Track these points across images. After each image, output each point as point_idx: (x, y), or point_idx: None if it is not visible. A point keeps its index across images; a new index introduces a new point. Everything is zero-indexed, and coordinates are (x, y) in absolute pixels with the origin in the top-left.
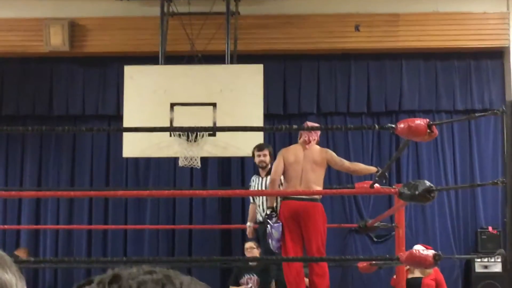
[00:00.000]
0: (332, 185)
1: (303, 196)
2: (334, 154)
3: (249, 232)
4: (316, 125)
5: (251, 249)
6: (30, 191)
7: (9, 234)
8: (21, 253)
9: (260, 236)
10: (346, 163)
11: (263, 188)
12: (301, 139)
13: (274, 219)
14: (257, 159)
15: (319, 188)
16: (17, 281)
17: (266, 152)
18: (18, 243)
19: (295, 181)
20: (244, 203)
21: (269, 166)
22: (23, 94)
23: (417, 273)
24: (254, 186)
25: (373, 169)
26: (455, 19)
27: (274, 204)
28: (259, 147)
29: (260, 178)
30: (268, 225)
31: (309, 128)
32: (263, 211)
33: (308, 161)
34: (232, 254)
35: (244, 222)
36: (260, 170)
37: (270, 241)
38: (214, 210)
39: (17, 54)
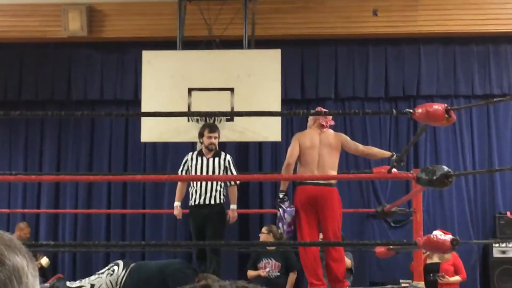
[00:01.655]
0: (350, 170)
1: (320, 181)
2: (348, 138)
3: (178, 213)
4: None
5: (268, 233)
6: (49, 175)
7: (28, 218)
8: (23, 227)
9: (199, 220)
10: (360, 146)
11: (210, 170)
12: (316, 123)
13: (287, 203)
14: (207, 141)
15: (334, 172)
16: (28, 263)
17: (217, 134)
18: (38, 227)
19: (311, 166)
20: (261, 188)
21: (217, 148)
22: (42, 79)
23: (435, 259)
24: (197, 166)
25: (387, 153)
26: (474, 3)
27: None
28: (211, 129)
29: (206, 159)
30: (280, 209)
31: (327, 113)
32: (205, 193)
33: (324, 145)
34: (250, 239)
35: (262, 207)
36: (206, 151)
37: (280, 225)
38: None
39: (36, 39)
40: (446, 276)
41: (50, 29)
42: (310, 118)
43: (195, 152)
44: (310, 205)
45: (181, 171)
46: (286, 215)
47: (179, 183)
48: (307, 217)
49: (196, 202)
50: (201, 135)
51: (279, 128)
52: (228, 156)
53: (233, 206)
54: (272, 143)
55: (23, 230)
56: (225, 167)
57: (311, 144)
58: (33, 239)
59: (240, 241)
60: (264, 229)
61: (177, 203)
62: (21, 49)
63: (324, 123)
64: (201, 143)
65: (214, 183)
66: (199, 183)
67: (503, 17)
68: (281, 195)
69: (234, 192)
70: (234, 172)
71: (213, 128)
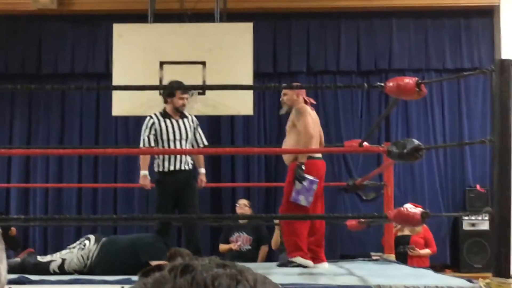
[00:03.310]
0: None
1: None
2: None
3: (148, 182)
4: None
5: (244, 206)
6: (19, 149)
7: None
8: None
9: (172, 188)
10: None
11: (182, 132)
12: (308, 104)
13: (309, 176)
14: (179, 102)
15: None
16: None
17: (188, 95)
18: (8, 202)
19: (316, 140)
20: (233, 162)
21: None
22: (12, 53)
23: (406, 232)
24: (167, 129)
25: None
26: None
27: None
28: (183, 89)
29: (175, 121)
30: (306, 181)
31: (298, 86)
32: (179, 158)
33: (318, 122)
34: (222, 212)
35: (234, 180)
36: (173, 112)
37: (304, 197)
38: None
39: (5, 12)
40: (416, 249)
41: (19, 1)
42: (301, 95)
43: (158, 114)
44: (321, 179)
45: (148, 135)
46: (314, 185)
47: (143, 151)
48: (319, 191)
49: (170, 168)
50: (171, 95)
51: (251, 101)
52: (194, 117)
53: (203, 170)
54: (244, 117)
55: None
56: (194, 128)
57: (315, 119)
58: (4, 214)
59: (212, 214)
60: (246, 203)
61: (145, 172)
62: None
63: (312, 101)
64: (167, 103)
65: (186, 147)
66: (175, 146)
67: None
68: (303, 167)
69: (202, 156)
70: (202, 134)
71: (185, 88)
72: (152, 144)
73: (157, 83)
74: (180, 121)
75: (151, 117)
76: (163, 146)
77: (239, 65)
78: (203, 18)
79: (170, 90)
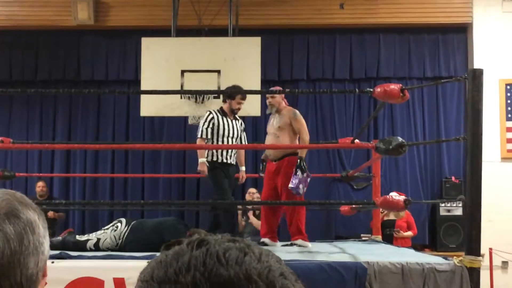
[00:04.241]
0: (319, 140)
1: None
2: None
3: (206, 169)
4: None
5: (253, 194)
6: (60, 144)
7: (43, 181)
8: (40, 185)
9: (230, 177)
10: None
11: (235, 131)
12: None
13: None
14: (236, 105)
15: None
16: (38, 216)
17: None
18: (51, 189)
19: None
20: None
21: None
22: (55, 62)
23: (391, 216)
24: (224, 125)
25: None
26: None
27: None
28: (243, 96)
29: (230, 120)
30: (305, 173)
31: (299, 92)
32: (232, 153)
33: None
34: (235, 199)
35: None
36: (229, 113)
37: (302, 186)
38: None
39: (49, 27)
40: (401, 231)
41: (61, 18)
42: (283, 99)
43: (216, 111)
44: None
45: (206, 128)
46: (309, 179)
47: (201, 141)
48: None
49: (225, 160)
50: (230, 97)
51: (259, 104)
52: (242, 122)
53: (243, 168)
54: (253, 117)
55: (41, 187)
56: (241, 131)
57: None
58: (48, 199)
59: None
60: (254, 191)
61: (204, 160)
62: (37, 35)
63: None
64: (225, 102)
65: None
66: (228, 143)
67: (450, 10)
68: (304, 163)
69: (244, 155)
70: (245, 137)
71: (245, 96)
72: (209, 136)
73: (178, 88)
74: (234, 121)
75: (211, 113)
76: (217, 140)
77: (249, 73)
78: (218, 33)
79: (231, 93)
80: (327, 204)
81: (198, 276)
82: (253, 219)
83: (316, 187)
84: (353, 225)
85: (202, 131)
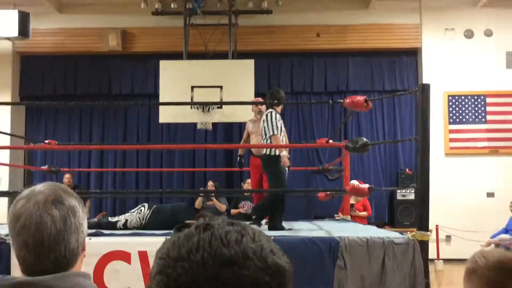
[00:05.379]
0: (301, 140)
1: None
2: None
3: (287, 160)
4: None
5: (248, 184)
6: (95, 145)
7: (82, 175)
8: (68, 177)
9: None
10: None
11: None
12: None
13: None
14: (280, 109)
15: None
16: (78, 203)
17: None
18: (88, 181)
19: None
20: None
21: None
22: (90, 79)
23: (352, 200)
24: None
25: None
26: (385, 28)
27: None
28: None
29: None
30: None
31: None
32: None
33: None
34: (233, 187)
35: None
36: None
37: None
38: (221, 157)
39: (87, 52)
40: (357, 211)
41: (96, 45)
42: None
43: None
44: None
45: (280, 127)
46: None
47: (278, 137)
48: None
49: (277, 153)
50: (279, 103)
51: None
52: None
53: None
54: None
55: (68, 178)
56: None
57: None
58: (85, 189)
59: (226, 189)
60: (250, 181)
61: (286, 153)
62: (75, 59)
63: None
64: (275, 104)
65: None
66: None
67: (404, 38)
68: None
69: None
70: None
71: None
72: (273, 132)
73: (189, 100)
74: None
75: (277, 113)
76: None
77: (244, 88)
78: (220, 56)
79: (282, 98)
80: (307, 192)
81: (206, 255)
82: (215, 202)
83: (299, 178)
84: (328, 208)
85: (278, 127)
